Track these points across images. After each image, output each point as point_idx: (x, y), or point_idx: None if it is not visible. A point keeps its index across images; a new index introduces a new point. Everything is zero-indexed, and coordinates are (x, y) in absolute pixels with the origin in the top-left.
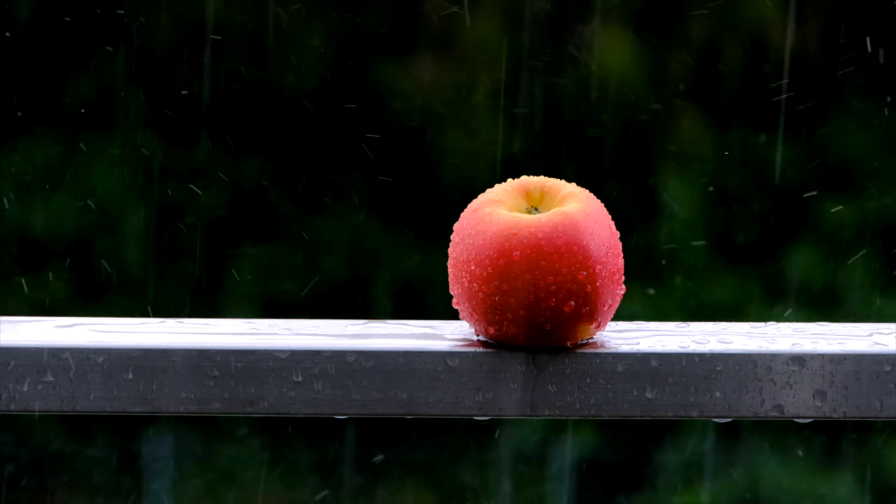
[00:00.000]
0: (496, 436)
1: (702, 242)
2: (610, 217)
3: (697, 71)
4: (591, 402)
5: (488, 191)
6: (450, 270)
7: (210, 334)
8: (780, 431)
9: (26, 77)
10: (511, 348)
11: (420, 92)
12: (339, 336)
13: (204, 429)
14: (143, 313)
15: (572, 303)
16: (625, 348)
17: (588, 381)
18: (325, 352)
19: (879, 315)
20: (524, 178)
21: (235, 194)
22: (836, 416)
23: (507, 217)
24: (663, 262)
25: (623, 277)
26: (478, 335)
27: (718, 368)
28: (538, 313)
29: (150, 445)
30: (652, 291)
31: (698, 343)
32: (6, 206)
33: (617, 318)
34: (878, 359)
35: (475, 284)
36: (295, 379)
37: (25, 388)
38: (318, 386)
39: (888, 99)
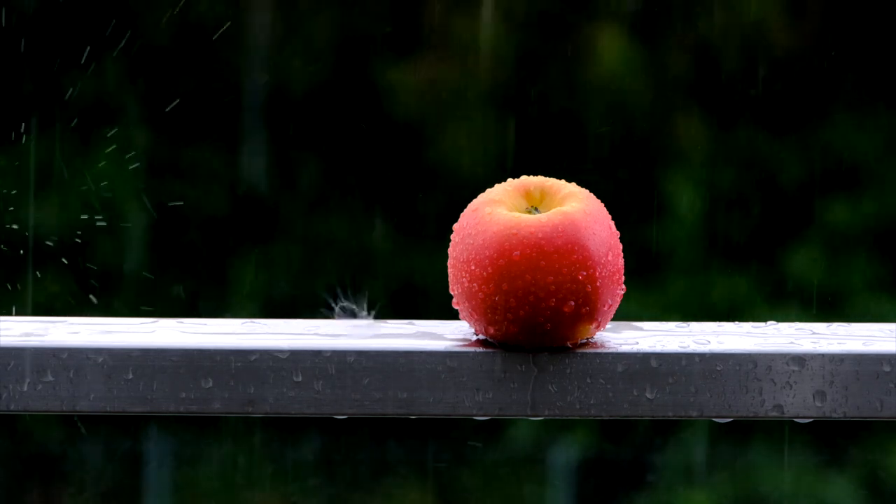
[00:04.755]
0: (496, 436)
1: (701, 242)
2: (610, 217)
3: (697, 71)
4: (591, 402)
5: (488, 191)
6: (450, 270)
7: (210, 334)
8: (779, 432)
9: (26, 75)
10: (511, 348)
11: (420, 91)
12: (339, 336)
13: (203, 428)
14: (143, 313)
15: (572, 303)
16: (625, 348)
17: (588, 381)
18: (325, 352)
19: (879, 315)
20: (524, 177)
21: (235, 194)
22: (836, 416)
23: (507, 217)
24: (663, 262)
25: (623, 277)
26: (478, 335)
27: (718, 368)
28: (538, 313)
29: (150, 445)
30: (652, 292)
31: (698, 343)
32: (5, 205)
33: (617, 318)
34: (878, 359)
35: (475, 284)
36: (295, 379)
37: (25, 388)
38: (318, 386)
39: (888, 98)
